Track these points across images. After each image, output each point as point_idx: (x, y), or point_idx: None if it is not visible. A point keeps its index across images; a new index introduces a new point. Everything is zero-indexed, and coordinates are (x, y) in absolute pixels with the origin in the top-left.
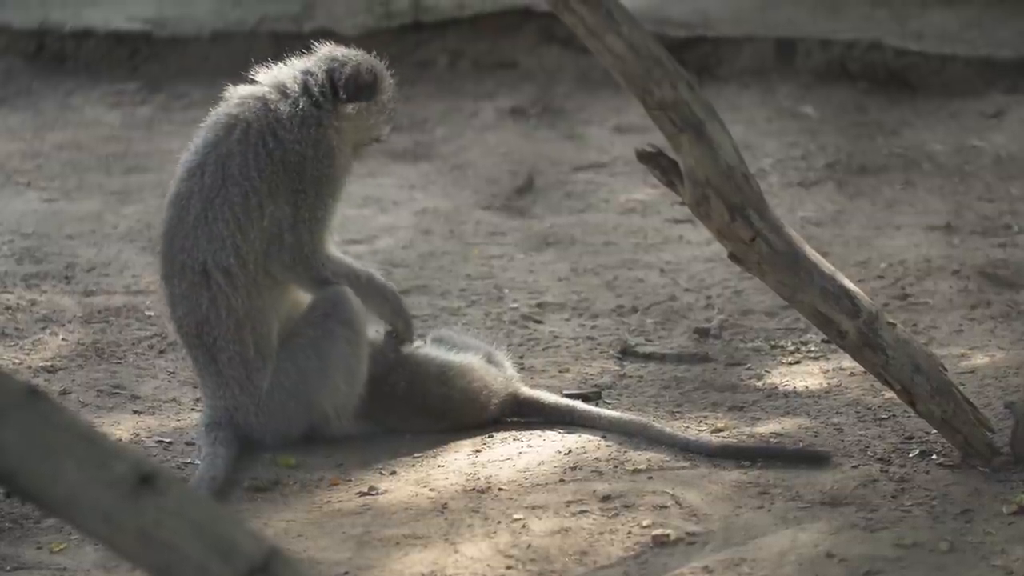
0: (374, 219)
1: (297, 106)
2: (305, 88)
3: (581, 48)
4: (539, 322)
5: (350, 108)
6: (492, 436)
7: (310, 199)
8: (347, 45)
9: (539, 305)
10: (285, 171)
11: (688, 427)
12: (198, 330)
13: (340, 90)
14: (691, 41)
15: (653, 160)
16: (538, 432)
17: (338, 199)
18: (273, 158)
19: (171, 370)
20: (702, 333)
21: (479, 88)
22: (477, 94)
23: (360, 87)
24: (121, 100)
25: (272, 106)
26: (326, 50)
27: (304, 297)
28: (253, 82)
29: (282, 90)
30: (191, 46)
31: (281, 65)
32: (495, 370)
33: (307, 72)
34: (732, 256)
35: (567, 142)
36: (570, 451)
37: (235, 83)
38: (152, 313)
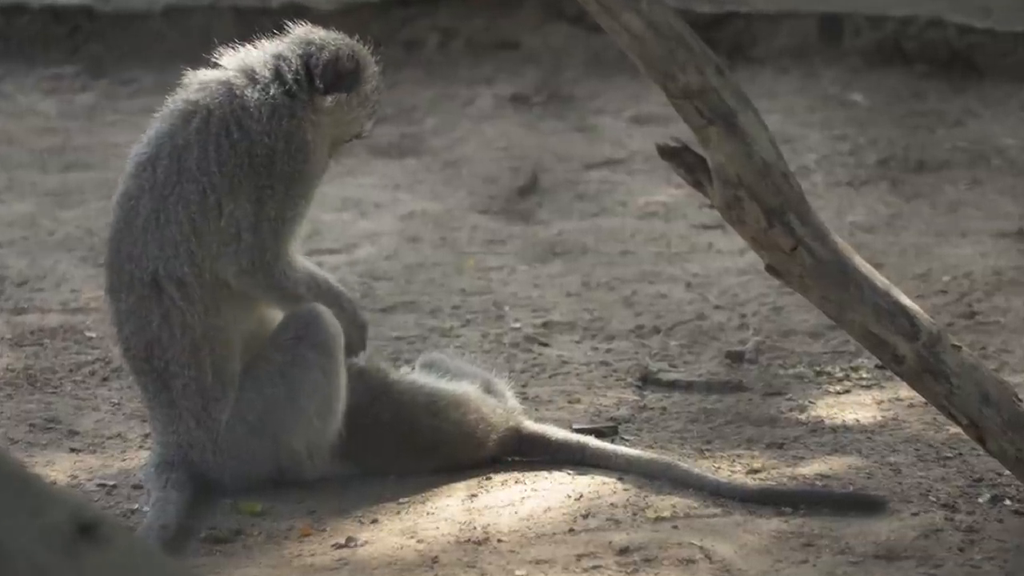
0: (353, 225)
1: (267, 93)
2: (277, 74)
3: (593, 26)
4: (545, 345)
5: (328, 100)
6: (490, 478)
7: (277, 197)
8: (324, 24)
9: (545, 325)
10: (251, 166)
11: (720, 467)
12: (147, 352)
13: (317, 78)
14: (721, 18)
15: (677, 156)
16: (544, 473)
17: (309, 201)
18: (237, 151)
19: (116, 401)
20: (735, 357)
21: (475, 72)
22: (472, 79)
23: (340, 76)
24: (58, 86)
25: (238, 92)
26: (301, 32)
27: (273, 315)
28: (216, 66)
29: (250, 75)
30: (140, 23)
31: (249, 48)
32: (494, 401)
33: (279, 57)
34: (770, 268)
35: (577, 135)
36: (581, 496)
37: (193, 67)
38: (94, 334)
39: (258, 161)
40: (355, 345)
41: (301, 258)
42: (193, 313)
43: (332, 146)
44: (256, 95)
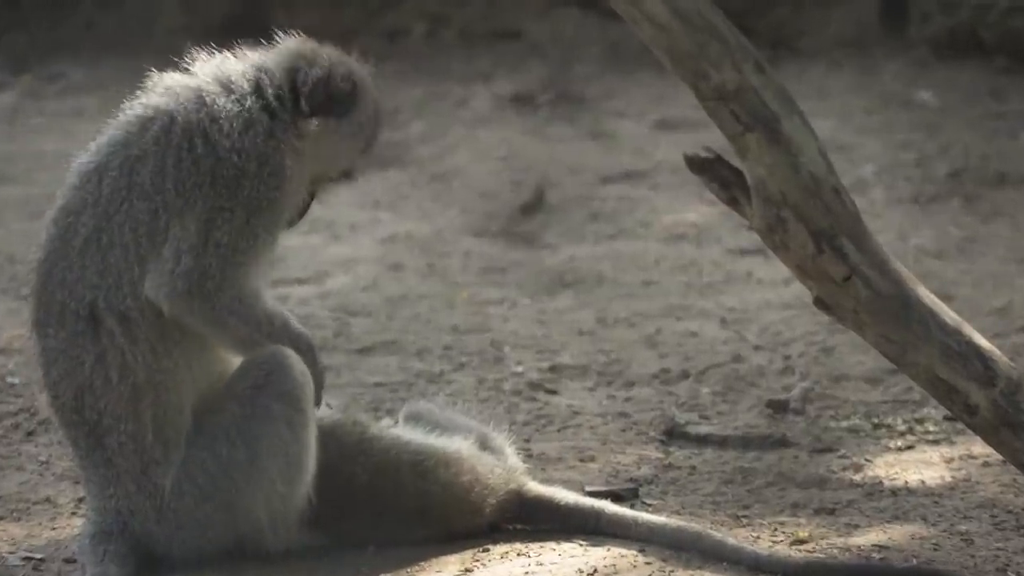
0: (324, 250)
1: (242, 105)
2: (257, 87)
3: (610, 13)
4: (552, 392)
5: (313, 123)
6: (488, 550)
7: (235, 223)
8: (293, 10)
9: (552, 369)
10: (212, 185)
11: (759, 537)
12: (78, 401)
13: (303, 98)
14: (762, 4)
15: (709, 169)
16: (551, 544)
17: (273, 236)
18: (199, 167)
19: (43, 459)
20: (778, 407)
21: (469, 67)
22: (467, 75)
23: (330, 98)
24: None
25: (208, 101)
26: (293, 43)
27: (236, 362)
28: (186, 72)
29: (225, 85)
30: (68, 11)
31: (228, 55)
32: (491, 459)
33: (262, 68)
34: (819, 301)
35: (591, 142)
36: (595, 571)
37: (131, 61)
38: (17, 380)
39: (222, 182)
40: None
41: (265, 297)
42: (135, 354)
43: (314, 182)
44: (229, 106)
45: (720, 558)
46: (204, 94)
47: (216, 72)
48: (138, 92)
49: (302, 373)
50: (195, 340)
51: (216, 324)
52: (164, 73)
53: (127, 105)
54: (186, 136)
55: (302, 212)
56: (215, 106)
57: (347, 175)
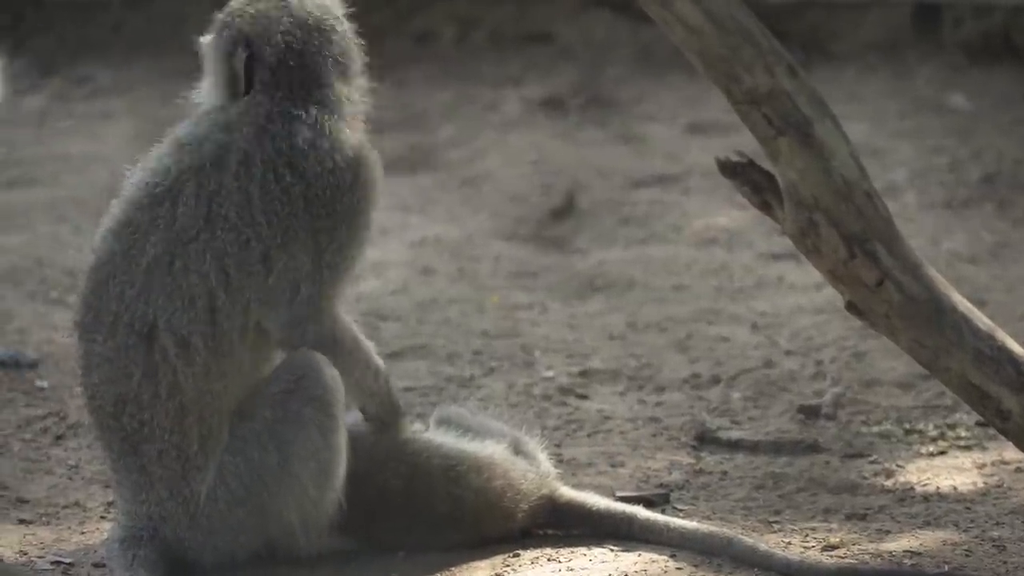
0: None
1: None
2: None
3: (641, 15)
4: (583, 397)
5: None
6: (519, 555)
7: (338, 240)
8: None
9: (583, 374)
10: (307, 211)
11: (790, 543)
12: (118, 408)
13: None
14: (796, 7)
15: (741, 173)
16: (582, 549)
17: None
18: (290, 195)
19: (72, 463)
20: (810, 412)
21: (499, 70)
22: (497, 79)
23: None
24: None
25: (281, 125)
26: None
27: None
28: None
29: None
30: (96, 11)
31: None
32: (523, 464)
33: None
34: (850, 306)
35: (622, 146)
36: None
37: (161, 63)
38: (46, 384)
39: (317, 203)
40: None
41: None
42: (188, 375)
43: None
44: (303, 128)
45: (751, 564)
46: (270, 122)
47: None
48: (174, 99)
49: (332, 378)
50: (249, 359)
51: (330, 345)
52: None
53: (185, 122)
54: (269, 167)
55: None
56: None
57: None
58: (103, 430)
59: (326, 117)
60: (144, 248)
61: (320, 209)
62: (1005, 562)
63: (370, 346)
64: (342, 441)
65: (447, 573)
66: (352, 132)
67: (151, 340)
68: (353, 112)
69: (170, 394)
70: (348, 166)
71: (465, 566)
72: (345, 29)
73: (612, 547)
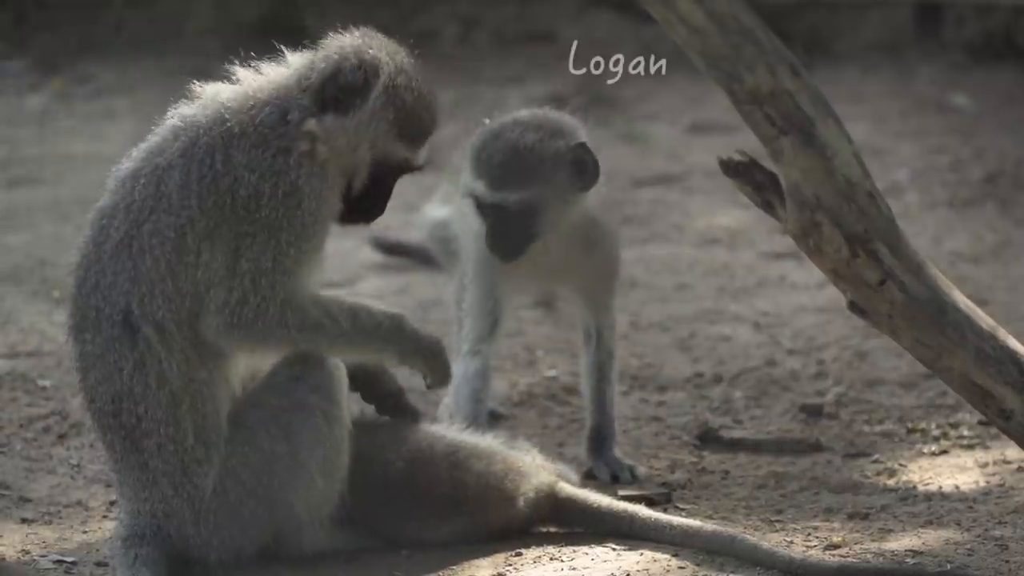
0: (356, 253)
1: (257, 119)
2: (276, 97)
3: (643, 15)
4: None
5: (328, 121)
6: (521, 554)
7: (258, 246)
8: (323, 10)
9: None
10: (232, 208)
11: (792, 542)
12: (116, 406)
13: (311, 96)
14: (797, 7)
15: (743, 172)
16: (584, 548)
17: (307, 246)
18: (219, 186)
19: (74, 462)
20: (812, 412)
21: (502, 69)
22: (499, 78)
23: (342, 91)
24: (2, 85)
25: (228, 115)
26: (329, 42)
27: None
28: (225, 81)
29: (247, 96)
30: (98, 10)
31: (266, 62)
32: (522, 453)
33: (285, 77)
34: (853, 305)
35: (624, 145)
36: (628, 575)
37: (162, 62)
38: (48, 383)
39: (240, 203)
40: (434, 381)
41: (321, 297)
42: (172, 363)
43: (374, 175)
44: (246, 120)
45: (754, 562)
46: (225, 109)
47: (245, 83)
48: (176, 98)
49: (335, 366)
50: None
51: (270, 343)
52: (207, 83)
53: (169, 112)
54: (208, 151)
55: (378, 204)
56: (233, 121)
57: (408, 166)
58: (104, 431)
59: (281, 127)
60: (109, 232)
61: (243, 210)
62: (1007, 561)
63: (331, 297)
64: (345, 430)
65: (449, 571)
66: (298, 158)
67: (133, 331)
68: (312, 144)
69: (159, 384)
70: (272, 174)
71: (467, 564)
72: (327, 71)
73: (614, 546)
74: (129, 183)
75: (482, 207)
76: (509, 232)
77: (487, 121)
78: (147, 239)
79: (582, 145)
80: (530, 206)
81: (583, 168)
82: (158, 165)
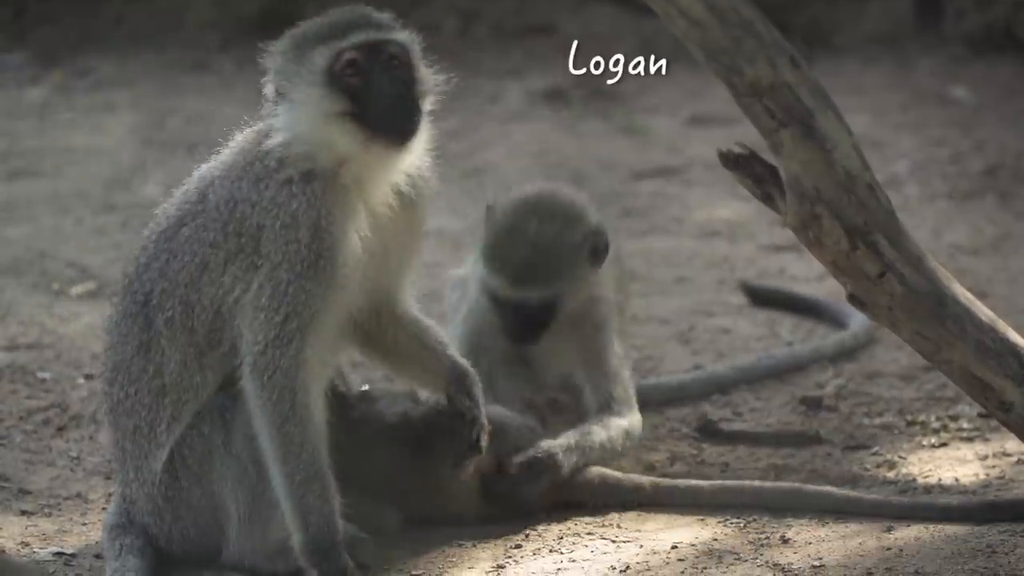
0: None
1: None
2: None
3: (643, 8)
4: None
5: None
6: (521, 546)
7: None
8: (320, 3)
9: None
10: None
11: (793, 537)
12: (113, 375)
13: None
14: (797, 0)
15: (743, 165)
16: (584, 540)
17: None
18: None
19: (74, 454)
20: (811, 404)
21: (501, 62)
22: (499, 71)
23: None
24: (2, 78)
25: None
26: None
27: None
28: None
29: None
30: (98, 3)
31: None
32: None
33: None
34: (852, 298)
35: (624, 138)
36: (627, 568)
37: (162, 56)
38: (47, 375)
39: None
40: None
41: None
42: (172, 358)
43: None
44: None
45: (821, 508)
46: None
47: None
48: (176, 90)
49: None
50: (225, 365)
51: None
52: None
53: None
54: (229, 206)
55: None
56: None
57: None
58: (105, 395)
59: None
60: (160, 221)
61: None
62: (1006, 554)
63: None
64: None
65: (449, 563)
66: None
67: (149, 316)
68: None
69: (155, 373)
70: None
71: (468, 556)
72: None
73: (613, 539)
74: (195, 180)
75: (501, 303)
76: (529, 322)
77: (493, 205)
78: (184, 242)
79: (597, 231)
80: (554, 299)
81: (599, 251)
82: (202, 178)
